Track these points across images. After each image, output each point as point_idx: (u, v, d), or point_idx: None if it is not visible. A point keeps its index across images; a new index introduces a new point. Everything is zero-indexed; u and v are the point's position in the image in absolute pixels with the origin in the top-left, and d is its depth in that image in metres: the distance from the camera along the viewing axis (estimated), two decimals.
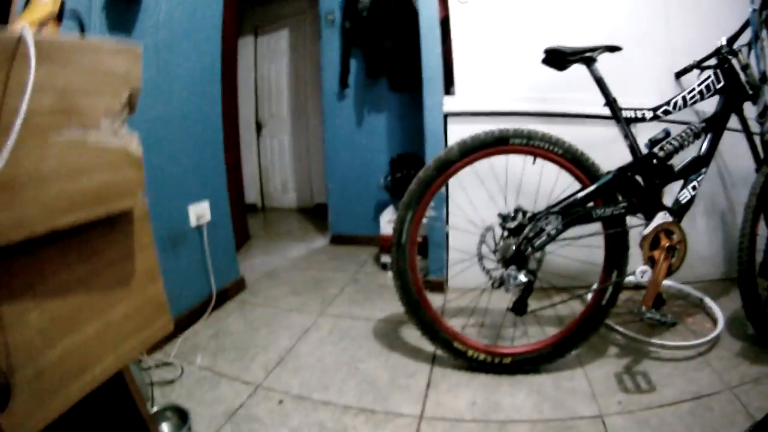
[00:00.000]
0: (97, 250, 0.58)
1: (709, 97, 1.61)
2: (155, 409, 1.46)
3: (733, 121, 1.69)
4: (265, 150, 4.93)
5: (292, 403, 1.56)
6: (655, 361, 1.66)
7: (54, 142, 0.51)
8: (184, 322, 2.10)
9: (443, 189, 2.28)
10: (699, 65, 1.98)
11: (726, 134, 1.64)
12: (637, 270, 1.56)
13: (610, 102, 1.59)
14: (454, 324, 1.82)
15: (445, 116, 2.29)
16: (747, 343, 1.72)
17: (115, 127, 0.61)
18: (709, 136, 1.60)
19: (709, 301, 2.01)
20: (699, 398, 1.42)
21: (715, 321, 1.86)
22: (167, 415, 1.47)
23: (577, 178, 1.60)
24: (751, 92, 1.64)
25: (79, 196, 0.53)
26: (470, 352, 1.66)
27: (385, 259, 2.89)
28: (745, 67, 1.64)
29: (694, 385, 1.49)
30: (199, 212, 2.21)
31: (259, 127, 4.89)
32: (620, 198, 1.57)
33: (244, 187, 3.86)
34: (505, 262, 1.57)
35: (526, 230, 1.53)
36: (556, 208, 1.53)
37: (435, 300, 2.17)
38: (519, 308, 1.58)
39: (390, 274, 1.68)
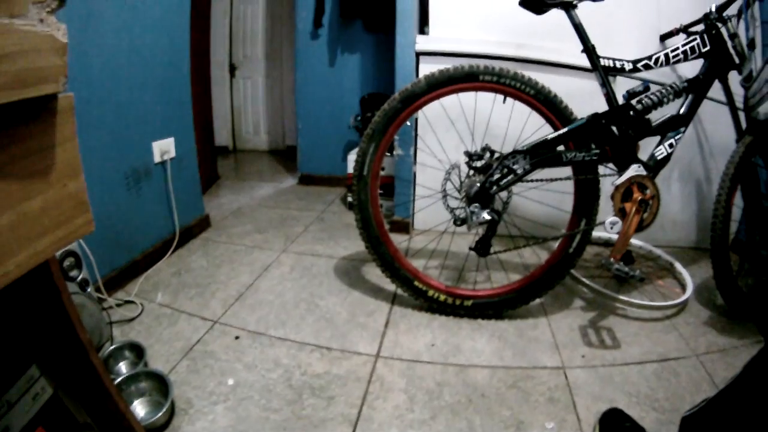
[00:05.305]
0: (15, 139, 0.54)
1: (693, 58, 1.56)
2: (112, 347, 1.43)
3: (716, 92, 1.67)
4: (239, 92, 4.79)
5: (249, 339, 1.55)
6: (622, 318, 1.66)
7: None
8: (148, 260, 2.05)
9: (412, 128, 2.27)
10: (686, 29, 1.93)
11: (707, 104, 1.62)
12: (607, 220, 1.53)
13: (588, 48, 1.53)
14: (418, 265, 1.81)
15: (418, 55, 2.22)
16: (715, 312, 1.71)
17: (42, 15, 0.57)
18: (690, 97, 1.57)
19: (679, 266, 1.98)
20: (665, 361, 1.41)
21: (684, 286, 1.85)
22: (124, 353, 1.44)
23: (549, 120, 1.58)
24: (737, 62, 1.59)
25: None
26: (431, 292, 1.65)
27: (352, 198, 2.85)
28: (734, 36, 1.58)
29: (660, 347, 1.48)
30: (164, 148, 2.14)
31: (232, 70, 4.72)
32: (593, 145, 1.53)
33: (214, 128, 3.74)
34: (469, 199, 1.55)
35: (493, 169, 1.51)
36: (525, 148, 1.51)
37: (399, 240, 2.18)
38: (482, 248, 1.57)
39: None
